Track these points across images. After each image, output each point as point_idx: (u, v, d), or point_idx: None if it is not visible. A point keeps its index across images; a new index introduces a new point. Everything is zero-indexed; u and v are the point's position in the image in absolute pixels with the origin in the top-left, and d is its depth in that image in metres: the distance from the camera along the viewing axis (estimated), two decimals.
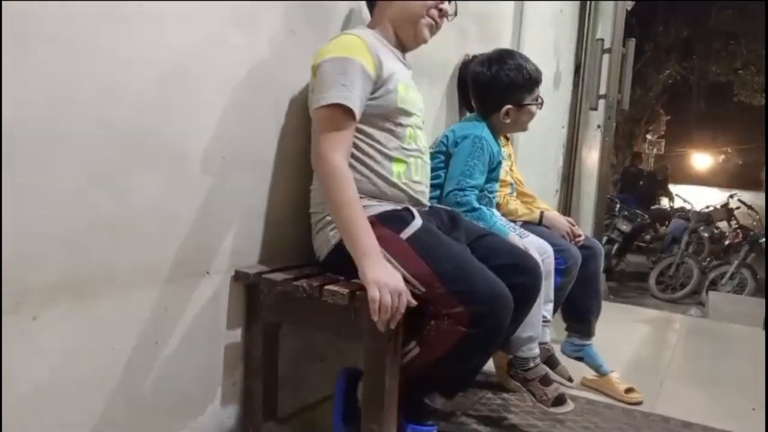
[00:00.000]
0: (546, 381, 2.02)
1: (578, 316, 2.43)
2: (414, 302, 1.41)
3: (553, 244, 2.23)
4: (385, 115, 1.61)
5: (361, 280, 1.42)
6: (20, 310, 1.12)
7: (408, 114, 1.65)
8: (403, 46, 1.75)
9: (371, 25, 1.74)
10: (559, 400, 1.99)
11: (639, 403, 2.35)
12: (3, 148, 1.05)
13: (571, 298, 2.33)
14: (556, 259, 2.21)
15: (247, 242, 1.64)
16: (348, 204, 1.47)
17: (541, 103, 2.30)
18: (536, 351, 2.02)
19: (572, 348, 2.45)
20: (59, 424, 1.22)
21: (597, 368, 2.45)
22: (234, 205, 1.57)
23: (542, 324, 2.14)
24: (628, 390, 2.39)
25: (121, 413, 1.34)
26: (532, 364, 2.00)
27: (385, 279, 1.38)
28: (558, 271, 2.23)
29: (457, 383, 1.70)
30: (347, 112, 1.50)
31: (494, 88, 2.23)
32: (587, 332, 2.44)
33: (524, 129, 2.37)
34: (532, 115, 2.30)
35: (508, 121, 2.25)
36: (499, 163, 2.24)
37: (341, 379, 1.65)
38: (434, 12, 1.72)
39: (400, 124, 1.64)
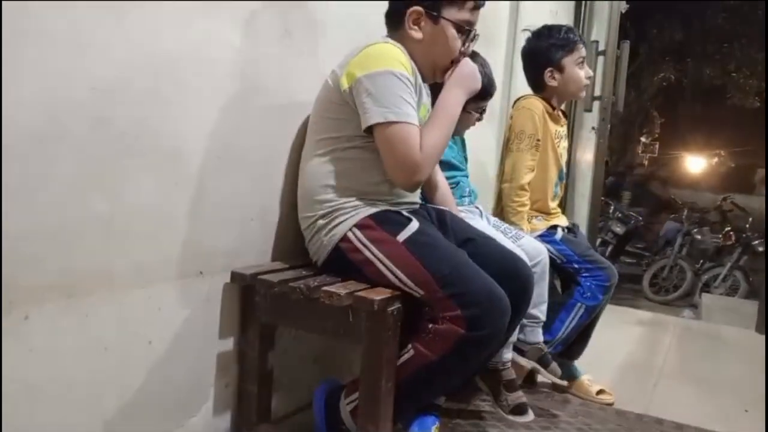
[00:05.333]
0: (511, 387, 2.00)
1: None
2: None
3: (594, 261, 2.25)
4: None
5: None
6: (12, 310, 1.10)
7: None
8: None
9: (396, 40, 1.65)
10: (520, 409, 1.98)
11: (611, 404, 2.34)
12: None
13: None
14: (598, 276, 2.24)
15: (242, 242, 1.63)
16: (443, 133, 1.60)
17: (479, 117, 2.20)
18: (508, 356, 2.01)
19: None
20: (51, 424, 1.21)
21: (570, 377, 2.43)
22: (229, 205, 1.57)
23: (535, 325, 2.15)
24: (600, 392, 2.38)
25: (113, 413, 1.33)
26: (501, 367, 2.00)
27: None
28: (600, 288, 2.25)
29: (452, 387, 1.69)
30: (414, 129, 1.51)
31: None
32: (573, 356, 2.43)
33: (463, 130, 2.24)
34: (468, 121, 2.18)
35: None
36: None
37: (320, 397, 1.65)
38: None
39: None
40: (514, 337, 2.00)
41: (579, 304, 2.27)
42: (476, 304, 1.43)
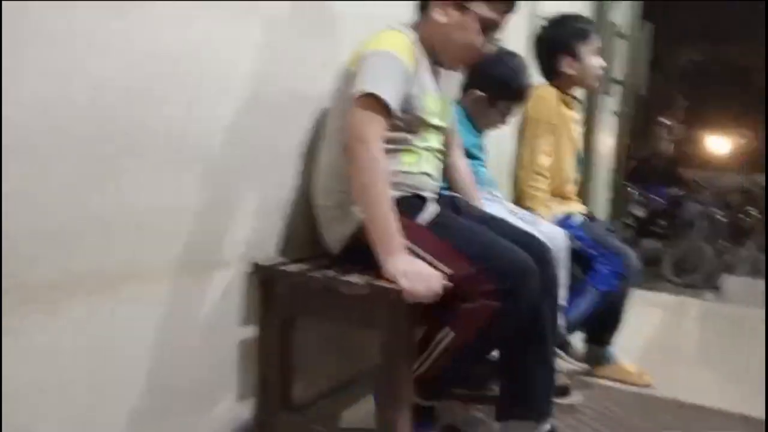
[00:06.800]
0: None
1: (594, 326, 2.41)
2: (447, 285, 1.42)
3: (611, 248, 2.26)
4: (404, 119, 1.58)
5: (386, 274, 1.43)
6: (13, 309, 1.09)
7: (426, 123, 1.65)
8: (436, 59, 1.71)
9: (416, 29, 1.67)
10: (562, 391, 2.00)
11: (649, 385, 2.36)
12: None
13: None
14: (614, 263, 2.24)
15: (262, 234, 1.65)
16: (385, 199, 1.45)
17: (503, 120, 2.21)
18: None
19: (592, 357, 2.44)
20: (60, 422, 1.21)
21: (605, 361, 2.43)
22: (248, 198, 1.59)
23: None
24: (640, 373, 2.40)
25: (137, 406, 1.35)
26: None
27: (412, 269, 1.40)
28: (614, 275, 2.25)
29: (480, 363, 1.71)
30: (387, 111, 1.49)
31: (482, 72, 2.12)
32: (605, 341, 2.42)
33: (487, 127, 2.27)
34: (496, 119, 2.21)
35: (473, 107, 2.18)
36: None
37: None
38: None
39: (416, 126, 1.63)
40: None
41: (592, 289, 2.27)
42: (508, 274, 1.43)
